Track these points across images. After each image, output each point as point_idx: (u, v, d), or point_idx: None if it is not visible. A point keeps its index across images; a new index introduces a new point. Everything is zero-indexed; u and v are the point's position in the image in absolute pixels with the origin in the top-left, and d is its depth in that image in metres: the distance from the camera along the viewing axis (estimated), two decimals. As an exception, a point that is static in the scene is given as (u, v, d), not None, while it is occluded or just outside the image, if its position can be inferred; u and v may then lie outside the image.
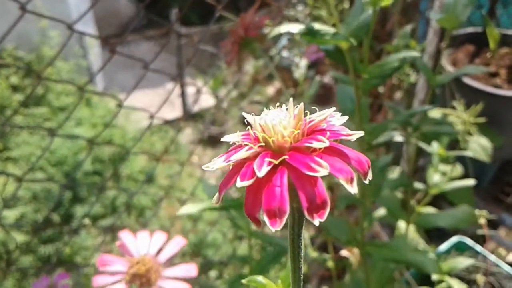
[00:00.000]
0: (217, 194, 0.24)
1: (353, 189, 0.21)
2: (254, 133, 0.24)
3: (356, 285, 0.76)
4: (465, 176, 0.95)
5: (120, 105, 0.77)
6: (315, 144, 0.22)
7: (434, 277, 0.80)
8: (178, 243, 0.57)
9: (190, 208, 0.61)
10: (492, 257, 1.06)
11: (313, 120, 0.24)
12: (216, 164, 0.24)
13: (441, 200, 0.99)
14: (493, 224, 1.25)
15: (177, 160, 1.88)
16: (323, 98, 1.35)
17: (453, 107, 0.91)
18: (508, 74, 1.05)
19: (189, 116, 2.25)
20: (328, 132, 0.23)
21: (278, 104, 0.26)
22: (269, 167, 0.21)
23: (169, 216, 1.69)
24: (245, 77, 2.11)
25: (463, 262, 0.79)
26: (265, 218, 0.20)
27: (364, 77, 0.55)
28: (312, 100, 1.01)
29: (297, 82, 1.20)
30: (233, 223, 0.66)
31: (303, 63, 0.87)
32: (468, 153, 0.77)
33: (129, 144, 1.88)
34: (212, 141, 2.17)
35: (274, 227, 0.20)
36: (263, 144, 0.23)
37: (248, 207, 0.22)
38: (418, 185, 0.89)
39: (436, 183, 0.78)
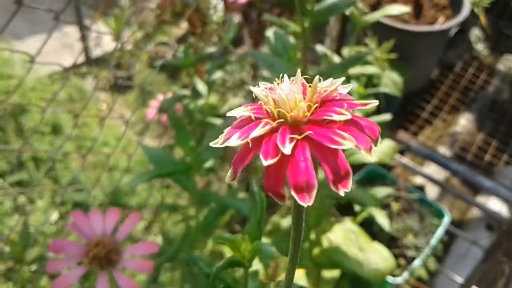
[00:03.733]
0: (231, 171, 0.23)
1: (373, 157, 0.22)
2: (268, 107, 0.23)
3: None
4: (377, 108, 1.00)
5: (31, 61, 0.71)
6: (336, 117, 0.22)
7: (357, 207, 0.86)
8: (133, 220, 0.55)
9: (137, 179, 0.58)
10: (401, 182, 1.15)
11: (326, 91, 0.24)
12: (231, 141, 0.23)
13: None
14: (399, 151, 1.34)
15: (84, 108, 1.79)
16: (234, 40, 1.34)
17: (366, 44, 0.94)
18: (415, 9, 1.10)
19: (92, 61, 2.12)
20: (345, 104, 0.23)
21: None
22: (292, 144, 0.21)
23: (80, 167, 1.62)
24: (149, 16, 2.01)
25: (382, 191, 0.85)
26: (293, 194, 0.20)
27: (309, 19, 0.55)
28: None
29: (205, 22, 1.16)
30: (179, 184, 0.64)
31: (220, 5, 0.84)
32: (384, 89, 0.80)
33: (29, 95, 1.76)
34: (119, 86, 2.07)
35: (304, 202, 0.20)
36: (281, 120, 0.22)
37: (271, 184, 0.21)
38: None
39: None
